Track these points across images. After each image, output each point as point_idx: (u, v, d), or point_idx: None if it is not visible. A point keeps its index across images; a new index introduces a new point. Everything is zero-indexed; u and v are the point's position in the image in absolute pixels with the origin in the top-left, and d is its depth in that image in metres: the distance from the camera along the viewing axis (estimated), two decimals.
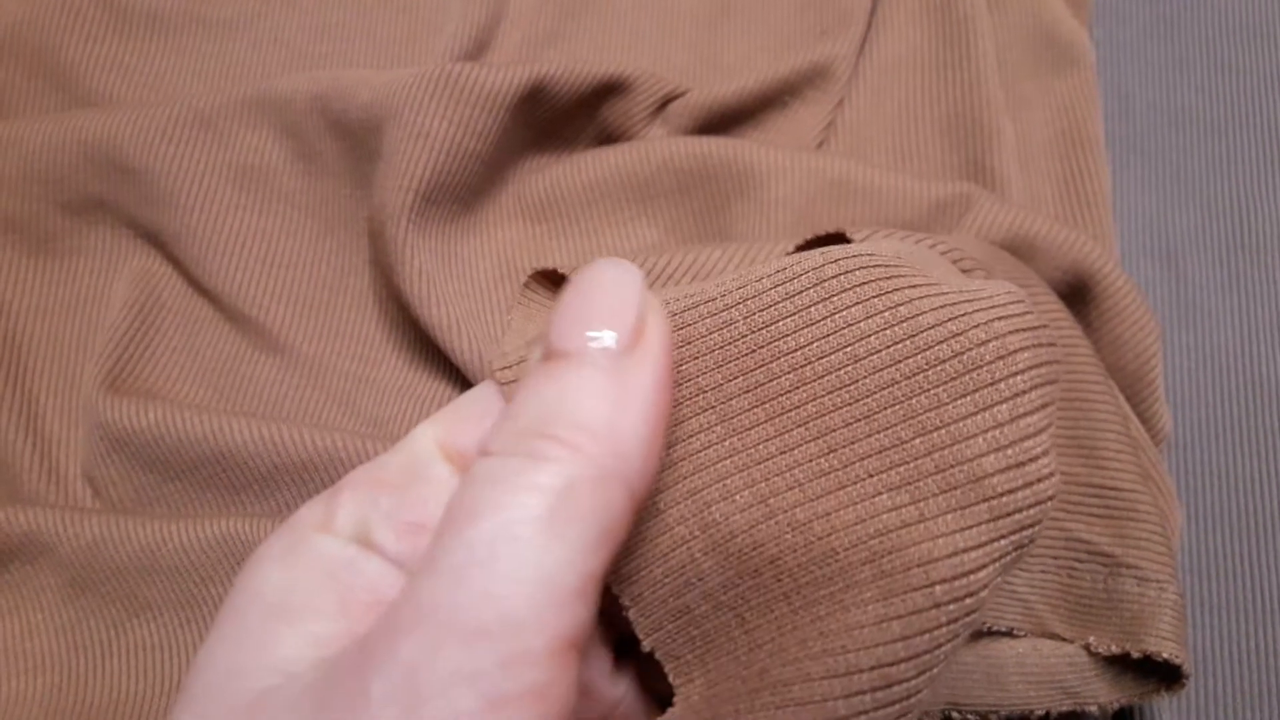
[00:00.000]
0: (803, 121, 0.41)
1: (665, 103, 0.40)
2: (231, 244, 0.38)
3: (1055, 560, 0.28)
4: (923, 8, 0.42)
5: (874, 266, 0.19)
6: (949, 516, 0.18)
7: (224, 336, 0.38)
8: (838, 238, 0.28)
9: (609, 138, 0.40)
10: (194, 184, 0.38)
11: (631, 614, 0.20)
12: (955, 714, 0.28)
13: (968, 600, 0.18)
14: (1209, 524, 0.35)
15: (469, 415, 0.20)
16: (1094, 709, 0.28)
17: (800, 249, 0.30)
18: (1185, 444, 0.37)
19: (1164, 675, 0.28)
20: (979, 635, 0.29)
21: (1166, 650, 0.27)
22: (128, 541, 0.33)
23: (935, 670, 0.18)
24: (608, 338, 0.17)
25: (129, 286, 0.38)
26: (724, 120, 0.40)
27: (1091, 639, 0.28)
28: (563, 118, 0.39)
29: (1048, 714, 0.28)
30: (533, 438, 0.16)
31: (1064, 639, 0.28)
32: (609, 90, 0.39)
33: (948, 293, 0.19)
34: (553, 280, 0.34)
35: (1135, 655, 0.27)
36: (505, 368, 0.20)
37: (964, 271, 0.27)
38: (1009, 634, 0.28)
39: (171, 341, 0.38)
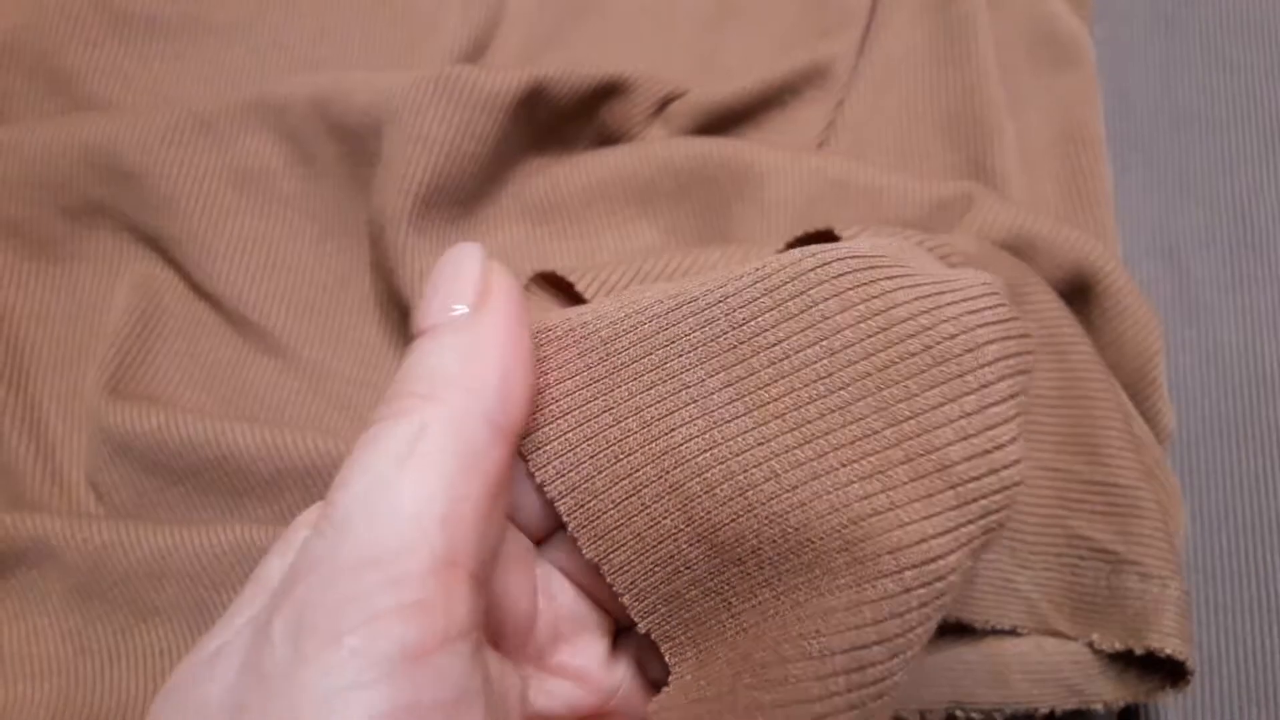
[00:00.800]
0: (803, 121, 0.41)
1: (665, 103, 0.40)
2: (232, 248, 0.38)
3: (1058, 558, 0.28)
4: (922, 7, 0.42)
5: (851, 258, 0.20)
6: (917, 504, 0.18)
7: (225, 341, 0.38)
8: (827, 235, 0.28)
9: (609, 139, 0.40)
10: (194, 188, 0.38)
11: (626, 599, 0.21)
12: (959, 712, 0.28)
13: (937, 584, 0.18)
14: (1214, 523, 0.35)
15: None
16: (1099, 707, 0.28)
17: (790, 246, 0.30)
18: (1189, 442, 0.36)
19: (1169, 672, 0.28)
20: (983, 634, 0.29)
21: (1170, 646, 0.26)
22: (138, 547, 0.33)
23: (909, 654, 0.18)
24: (459, 309, 0.19)
25: (130, 291, 0.38)
26: (724, 120, 0.40)
27: (1095, 636, 0.28)
28: (562, 119, 0.39)
29: (1052, 712, 0.28)
30: (392, 401, 0.18)
31: (1068, 636, 0.28)
32: (608, 91, 0.39)
33: (923, 284, 0.20)
34: (553, 282, 0.34)
35: (1139, 652, 0.27)
36: None
37: (951, 267, 0.27)
38: (1013, 633, 0.28)
39: (173, 346, 0.38)
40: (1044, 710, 0.28)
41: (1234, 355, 0.38)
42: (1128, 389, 0.33)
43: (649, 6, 0.44)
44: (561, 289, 0.34)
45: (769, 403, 0.19)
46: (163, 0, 0.43)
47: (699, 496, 0.20)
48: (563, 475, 0.20)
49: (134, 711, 0.33)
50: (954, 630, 0.29)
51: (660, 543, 0.20)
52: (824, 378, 0.19)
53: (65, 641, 0.33)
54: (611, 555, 0.20)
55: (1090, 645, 0.28)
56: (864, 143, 0.41)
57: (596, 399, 0.20)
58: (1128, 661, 0.28)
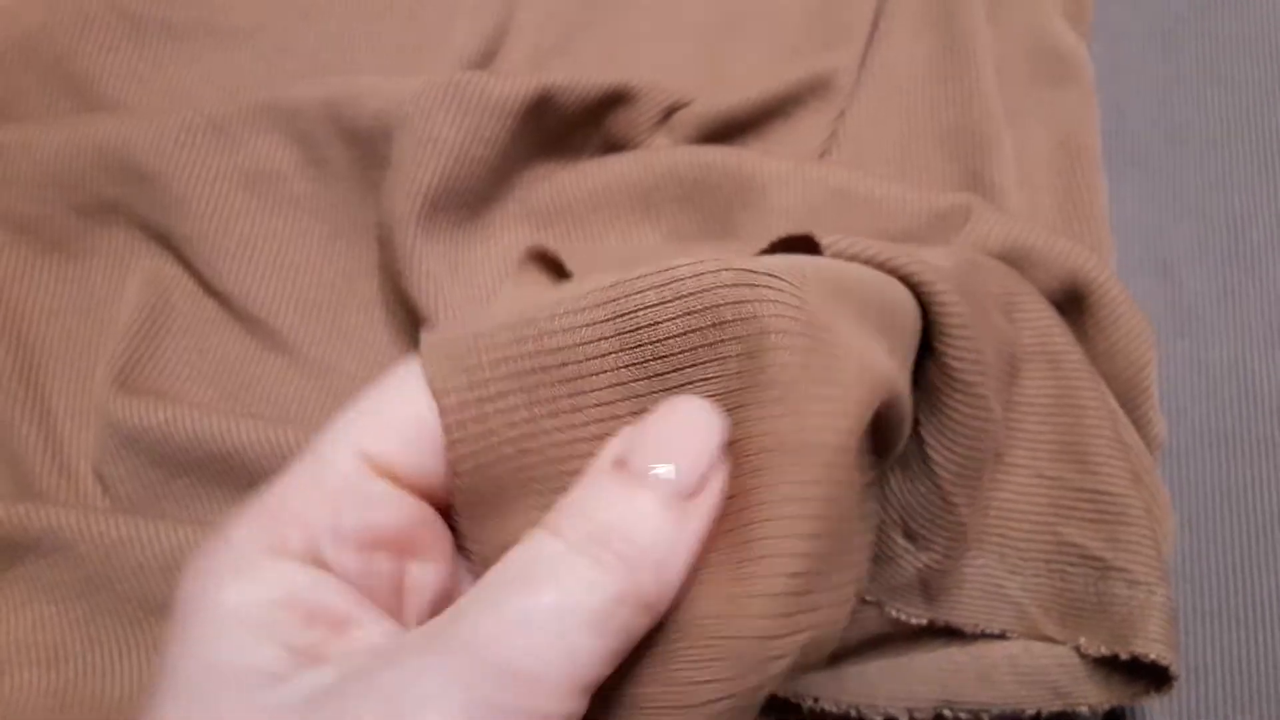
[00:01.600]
0: (805, 131, 0.41)
1: (670, 112, 0.40)
2: (241, 247, 0.38)
3: (1047, 564, 0.29)
4: (924, 21, 0.43)
5: (744, 270, 0.20)
6: None
7: (233, 338, 0.39)
8: (806, 239, 0.29)
9: (614, 146, 0.40)
10: (206, 188, 0.38)
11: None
12: (948, 711, 0.28)
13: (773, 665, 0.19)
14: (1203, 532, 0.36)
15: (389, 422, 0.21)
16: (1085, 710, 0.29)
17: (772, 247, 0.31)
18: (1179, 452, 0.37)
19: (1154, 676, 0.28)
20: (973, 637, 0.29)
21: (1154, 651, 0.27)
22: (155, 542, 0.33)
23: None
24: (673, 470, 0.19)
25: (140, 288, 0.38)
26: (728, 130, 0.41)
27: (1082, 640, 0.28)
28: (569, 126, 0.39)
29: (1038, 714, 0.29)
30: (598, 544, 0.18)
31: (1056, 641, 0.28)
32: (615, 100, 0.39)
33: (799, 319, 0.21)
34: (545, 260, 0.35)
35: (1124, 657, 0.27)
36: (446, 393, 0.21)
37: (920, 285, 0.27)
38: (1001, 636, 0.29)
39: (181, 342, 0.38)
40: (1030, 711, 0.28)
41: (1225, 368, 0.38)
42: (1120, 398, 0.33)
43: (655, 16, 0.44)
44: (555, 270, 0.35)
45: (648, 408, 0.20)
46: (177, 5, 0.43)
47: None
48: (474, 470, 0.20)
49: (142, 702, 0.33)
50: (944, 633, 0.29)
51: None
52: (691, 383, 0.20)
53: (73, 630, 0.33)
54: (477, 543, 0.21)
55: (1077, 649, 0.28)
56: (865, 154, 0.41)
57: (515, 392, 0.20)
58: (1113, 666, 0.28)
